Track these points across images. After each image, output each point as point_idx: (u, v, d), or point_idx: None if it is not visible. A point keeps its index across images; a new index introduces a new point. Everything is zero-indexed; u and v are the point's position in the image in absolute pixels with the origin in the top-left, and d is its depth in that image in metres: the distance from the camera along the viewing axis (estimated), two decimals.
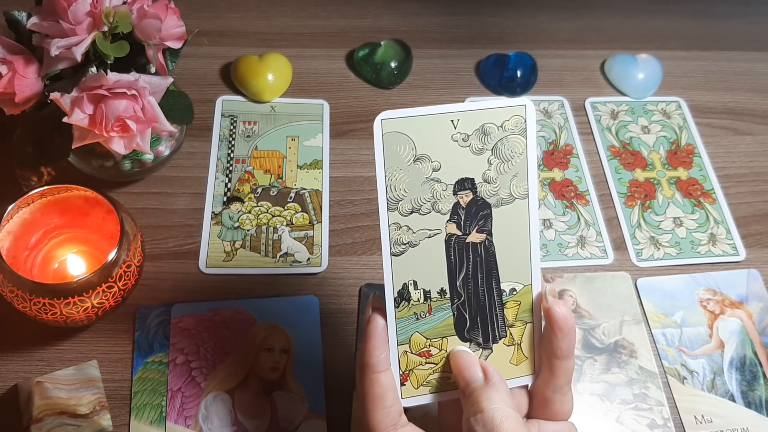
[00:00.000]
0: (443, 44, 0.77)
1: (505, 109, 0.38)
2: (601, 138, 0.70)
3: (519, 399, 0.42)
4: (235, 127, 0.67)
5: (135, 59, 0.53)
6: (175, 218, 0.61)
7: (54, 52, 0.49)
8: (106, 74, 0.49)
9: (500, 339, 0.41)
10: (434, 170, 0.38)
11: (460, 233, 0.39)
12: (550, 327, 0.39)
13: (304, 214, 0.62)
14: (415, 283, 0.39)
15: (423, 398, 0.41)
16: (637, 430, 0.53)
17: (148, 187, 0.62)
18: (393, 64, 0.71)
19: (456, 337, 0.41)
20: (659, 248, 0.63)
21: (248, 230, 0.60)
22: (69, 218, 0.54)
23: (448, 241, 0.39)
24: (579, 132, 0.70)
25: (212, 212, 0.61)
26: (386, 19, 0.78)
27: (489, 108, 0.38)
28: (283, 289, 0.58)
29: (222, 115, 0.68)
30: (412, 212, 0.38)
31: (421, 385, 0.41)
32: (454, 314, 0.40)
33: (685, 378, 0.56)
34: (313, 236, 0.61)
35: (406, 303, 0.39)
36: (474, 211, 0.39)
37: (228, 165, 0.64)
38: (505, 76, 0.72)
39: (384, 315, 0.39)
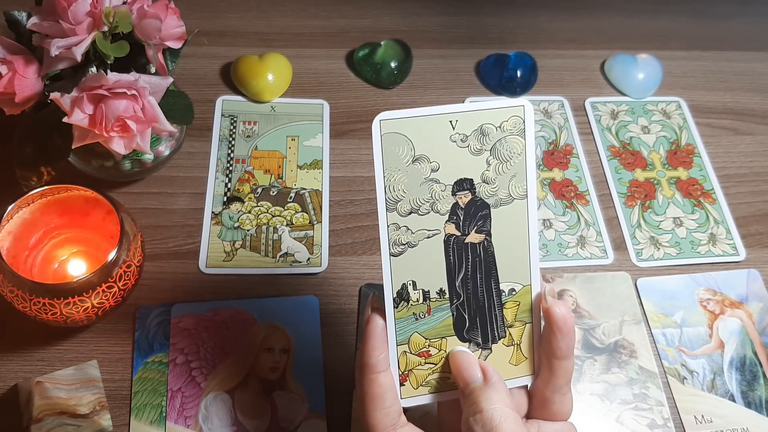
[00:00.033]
0: (443, 44, 0.77)
1: (504, 109, 0.38)
2: (601, 138, 0.70)
3: (518, 399, 0.42)
4: (235, 127, 0.67)
5: (135, 59, 0.53)
6: (175, 218, 0.61)
7: (54, 52, 0.49)
8: (106, 74, 0.49)
9: (499, 339, 0.41)
10: (433, 171, 0.38)
11: (459, 234, 0.39)
12: (550, 327, 0.39)
13: (304, 214, 0.62)
14: (414, 284, 0.39)
15: (422, 398, 0.41)
16: (637, 430, 0.53)
17: (148, 187, 0.62)
18: (393, 64, 0.71)
19: (455, 337, 0.41)
20: (659, 248, 0.63)
21: (248, 230, 0.61)
22: (69, 218, 0.54)
23: (447, 242, 0.39)
24: (579, 132, 0.70)
25: (212, 212, 0.61)
26: (386, 19, 0.78)
27: (487, 109, 0.38)
28: (283, 289, 0.58)
29: (222, 115, 0.68)
30: (410, 213, 0.38)
31: (421, 385, 0.41)
32: (453, 314, 0.40)
33: (685, 378, 0.56)
34: (313, 236, 0.61)
35: (405, 303, 0.39)
36: (473, 211, 0.39)
37: (228, 165, 0.64)
38: (505, 76, 0.72)
39: (383, 315, 0.39)
